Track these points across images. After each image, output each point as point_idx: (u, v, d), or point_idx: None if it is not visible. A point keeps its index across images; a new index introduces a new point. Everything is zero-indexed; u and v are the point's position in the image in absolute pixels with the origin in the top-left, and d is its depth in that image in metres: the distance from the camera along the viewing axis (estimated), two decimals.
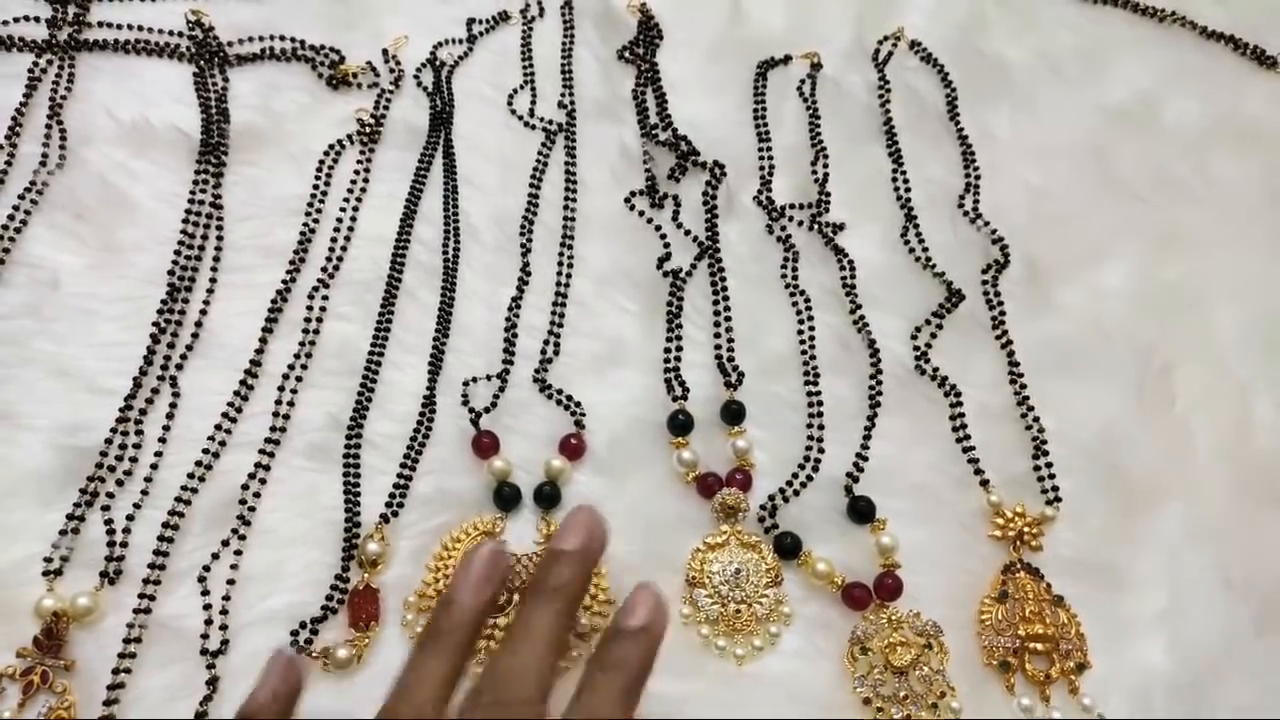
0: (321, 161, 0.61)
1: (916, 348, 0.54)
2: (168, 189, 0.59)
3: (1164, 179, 0.63)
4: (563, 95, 0.67)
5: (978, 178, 0.62)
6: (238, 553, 0.46)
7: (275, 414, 0.51)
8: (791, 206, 0.61)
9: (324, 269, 0.57)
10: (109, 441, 0.49)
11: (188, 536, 0.47)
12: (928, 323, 0.55)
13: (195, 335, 0.53)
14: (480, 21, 0.71)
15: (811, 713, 0.43)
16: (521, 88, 0.68)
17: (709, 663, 0.44)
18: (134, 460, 0.49)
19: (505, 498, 0.48)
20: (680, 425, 0.51)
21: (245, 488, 0.48)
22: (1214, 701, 0.44)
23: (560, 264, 0.58)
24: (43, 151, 0.59)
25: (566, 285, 0.57)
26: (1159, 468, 0.50)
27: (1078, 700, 0.44)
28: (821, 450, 0.51)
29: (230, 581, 0.45)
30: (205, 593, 0.45)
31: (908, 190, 0.62)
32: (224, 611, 0.45)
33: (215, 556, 0.46)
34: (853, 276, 0.58)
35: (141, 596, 0.44)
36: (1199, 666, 0.45)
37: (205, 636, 0.44)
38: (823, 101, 0.67)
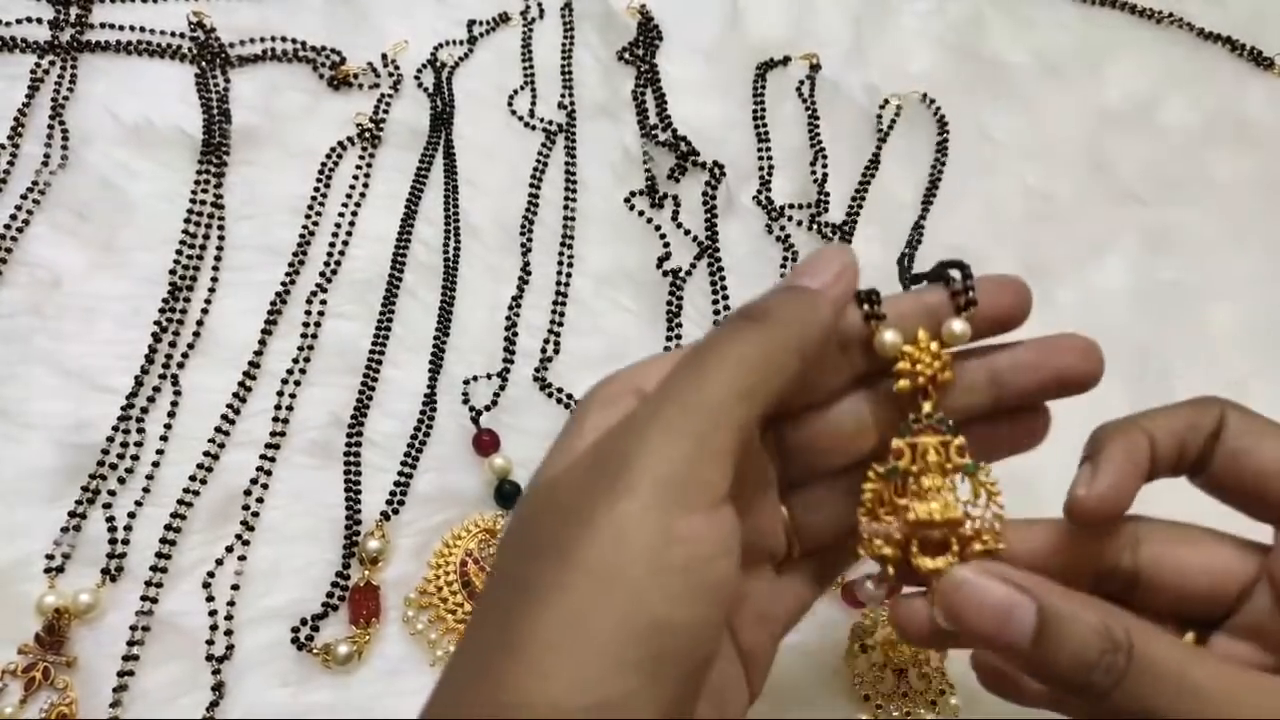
0: (323, 162, 0.61)
1: None
2: (169, 189, 0.59)
3: (1161, 179, 0.63)
4: (563, 96, 0.68)
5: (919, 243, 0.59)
6: (241, 557, 0.46)
7: (276, 413, 0.51)
8: (791, 206, 0.62)
9: (325, 268, 0.57)
10: (111, 439, 0.49)
11: (189, 534, 0.47)
12: None
13: (196, 334, 0.53)
14: (480, 23, 0.71)
15: (811, 711, 0.43)
16: (522, 88, 0.68)
17: None
18: (135, 458, 0.49)
19: (506, 495, 0.49)
20: None
21: (248, 492, 0.48)
22: None
23: (560, 263, 0.58)
24: (45, 152, 0.59)
25: (566, 284, 0.58)
26: None
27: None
28: None
29: (235, 587, 0.45)
30: (210, 599, 0.45)
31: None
32: (229, 616, 0.45)
33: (219, 562, 0.46)
34: None
35: (144, 599, 0.44)
36: None
37: (210, 643, 0.44)
38: (821, 102, 0.67)
